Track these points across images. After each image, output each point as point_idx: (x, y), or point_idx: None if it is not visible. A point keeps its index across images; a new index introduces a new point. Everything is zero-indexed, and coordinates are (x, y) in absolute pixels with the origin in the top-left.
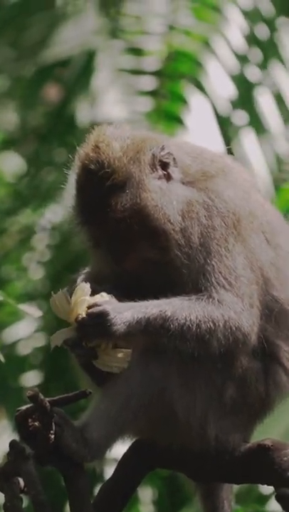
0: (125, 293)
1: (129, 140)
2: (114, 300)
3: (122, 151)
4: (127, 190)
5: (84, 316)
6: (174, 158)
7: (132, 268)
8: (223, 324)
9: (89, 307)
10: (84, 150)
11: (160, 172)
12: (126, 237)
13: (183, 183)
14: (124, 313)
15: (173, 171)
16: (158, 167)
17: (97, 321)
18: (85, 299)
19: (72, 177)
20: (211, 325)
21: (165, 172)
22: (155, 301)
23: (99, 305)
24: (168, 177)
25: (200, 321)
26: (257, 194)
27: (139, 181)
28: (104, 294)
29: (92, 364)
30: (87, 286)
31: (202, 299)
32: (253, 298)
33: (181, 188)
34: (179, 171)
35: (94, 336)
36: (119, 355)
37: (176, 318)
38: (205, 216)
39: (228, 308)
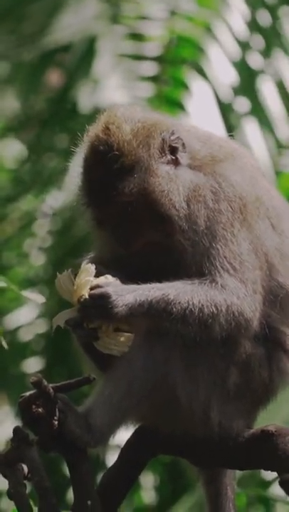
0: (129, 277)
1: (139, 123)
2: (118, 282)
3: (132, 133)
4: (134, 175)
5: (86, 297)
6: (183, 144)
7: (137, 251)
8: (225, 309)
9: (91, 288)
10: (94, 130)
11: (169, 157)
12: (131, 221)
13: (190, 168)
14: (126, 295)
15: (181, 156)
16: (167, 152)
17: (99, 303)
18: (89, 279)
19: (79, 157)
20: (214, 309)
21: (174, 157)
22: (158, 285)
23: (101, 286)
24: (176, 162)
25: (202, 305)
26: (263, 179)
27: (147, 166)
28: (109, 276)
29: (93, 346)
30: (92, 268)
31: (205, 283)
32: (257, 284)
33: (189, 173)
34: (187, 156)
35: (95, 317)
36: (121, 338)
37: (179, 302)
38: (212, 200)
39: (231, 293)
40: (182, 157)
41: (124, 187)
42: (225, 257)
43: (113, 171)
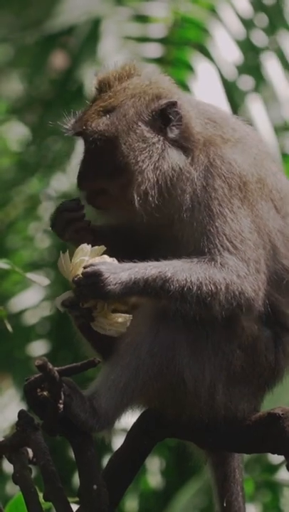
0: (128, 256)
1: (148, 82)
2: (114, 262)
3: (134, 85)
4: (111, 117)
5: (80, 275)
6: (180, 119)
7: (89, 192)
8: (225, 287)
9: (85, 267)
10: (110, 70)
11: (158, 123)
12: (93, 159)
13: (178, 146)
14: (120, 273)
15: (172, 130)
16: (157, 117)
17: (91, 281)
18: (84, 259)
19: None
20: (212, 287)
21: (163, 126)
22: (155, 263)
23: (94, 265)
24: (162, 132)
25: (201, 282)
26: (271, 163)
27: (125, 115)
28: (105, 256)
29: (90, 328)
30: (87, 247)
31: (204, 261)
32: (260, 263)
33: (172, 150)
34: (179, 133)
35: (88, 296)
36: (118, 319)
37: (177, 279)
38: (200, 177)
39: (231, 271)
40: (172, 131)
41: (98, 123)
42: (224, 235)
43: (97, 107)
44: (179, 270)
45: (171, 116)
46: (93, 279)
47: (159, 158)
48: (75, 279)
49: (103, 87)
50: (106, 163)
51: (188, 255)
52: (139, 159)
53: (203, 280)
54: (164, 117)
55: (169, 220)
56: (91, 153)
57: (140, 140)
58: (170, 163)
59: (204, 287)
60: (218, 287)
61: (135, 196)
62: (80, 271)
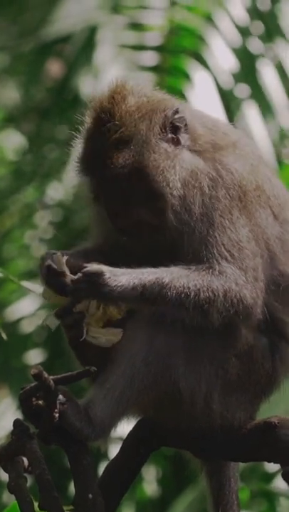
0: (124, 262)
1: (145, 98)
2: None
3: (136, 106)
4: (131, 146)
5: (79, 274)
6: (186, 124)
7: (126, 227)
8: (222, 295)
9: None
10: (99, 98)
11: (169, 135)
12: (123, 194)
13: (190, 151)
14: (120, 276)
15: (183, 136)
16: (168, 130)
17: (92, 279)
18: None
19: (83, 126)
20: (210, 294)
21: (174, 136)
22: (153, 269)
23: (95, 264)
24: (176, 142)
25: (198, 289)
26: (265, 168)
27: (145, 140)
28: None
29: (81, 342)
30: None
31: (202, 269)
32: (258, 271)
33: (188, 155)
34: (188, 137)
35: (85, 294)
36: (110, 331)
37: (174, 286)
38: (209, 186)
39: (229, 279)
40: (183, 138)
41: (119, 157)
42: (223, 244)
43: (111, 140)
44: (177, 277)
45: (178, 124)
46: (94, 278)
47: (181, 169)
48: (75, 277)
49: (105, 117)
50: (138, 194)
51: (186, 263)
52: (168, 177)
53: (200, 287)
54: (172, 127)
55: (178, 231)
56: (119, 188)
57: (165, 158)
58: (189, 169)
59: (202, 294)
60: (216, 294)
61: (172, 216)
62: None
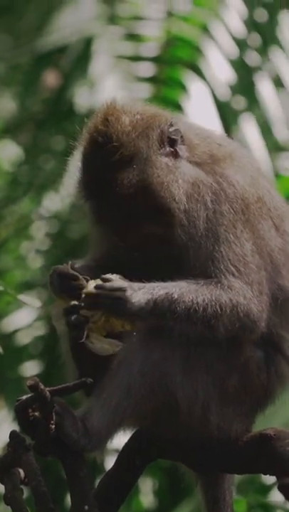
0: (128, 277)
1: (139, 115)
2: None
3: (132, 125)
4: (134, 166)
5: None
6: (181, 136)
7: (134, 244)
8: (230, 309)
9: (103, 280)
10: (93, 122)
11: (168, 149)
12: (130, 213)
13: (190, 162)
14: (138, 291)
15: (180, 148)
16: (166, 144)
17: (116, 295)
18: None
19: (78, 151)
20: (218, 309)
21: (173, 149)
22: (162, 284)
23: (117, 280)
24: (175, 154)
25: (207, 304)
26: (263, 179)
27: (146, 157)
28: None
29: (80, 347)
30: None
31: (210, 283)
32: (263, 285)
33: (188, 167)
34: (186, 149)
35: (104, 308)
36: (108, 341)
37: (183, 301)
38: (212, 201)
39: (238, 293)
40: (181, 149)
41: (124, 178)
42: (229, 260)
43: (112, 163)
44: (186, 291)
45: (174, 137)
46: (118, 294)
47: (184, 182)
48: (97, 287)
49: (102, 140)
50: (144, 211)
51: (194, 278)
52: (173, 192)
53: (209, 301)
54: (169, 140)
55: (184, 245)
56: (125, 207)
57: (167, 173)
58: (190, 181)
59: (209, 309)
60: (223, 309)
61: (179, 229)
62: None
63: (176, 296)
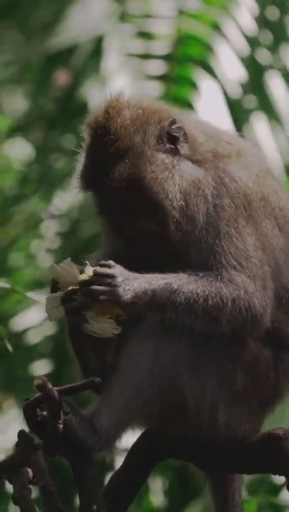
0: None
1: (141, 110)
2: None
3: (131, 119)
4: (126, 159)
5: (91, 275)
6: (184, 133)
7: (128, 237)
8: (231, 302)
9: (101, 266)
10: (95, 114)
11: (167, 146)
12: (124, 207)
13: (191, 161)
14: (131, 280)
15: (182, 146)
16: (165, 140)
17: (105, 282)
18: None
19: (83, 139)
20: (219, 301)
21: (173, 146)
22: (161, 274)
23: (109, 266)
24: (175, 152)
25: (207, 295)
26: (272, 180)
27: (141, 152)
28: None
29: (79, 334)
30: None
31: (211, 276)
32: (266, 280)
33: (188, 165)
34: (188, 147)
35: (98, 296)
36: (107, 324)
37: (183, 291)
38: (213, 195)
39: (239, 287)
40: (183, 147)
41: (116, 171)
42: (230, 253)
43: (107, 155)
44: (186, 282)
45: (176, 134)
46: (106, 280)
47: (181, 179)
48: (86, 278)
49: (100, 132)
50: (138, 206)
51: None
52: (167, 188)
53: (209, 293)
54: (170, 138)
55: (183, 240)
56: (119, 201)
57: (162, 169)
58: (189, 179)
59: (210, 300)
60: (225, 301)
61: (173, 226)
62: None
63: (175, 287)
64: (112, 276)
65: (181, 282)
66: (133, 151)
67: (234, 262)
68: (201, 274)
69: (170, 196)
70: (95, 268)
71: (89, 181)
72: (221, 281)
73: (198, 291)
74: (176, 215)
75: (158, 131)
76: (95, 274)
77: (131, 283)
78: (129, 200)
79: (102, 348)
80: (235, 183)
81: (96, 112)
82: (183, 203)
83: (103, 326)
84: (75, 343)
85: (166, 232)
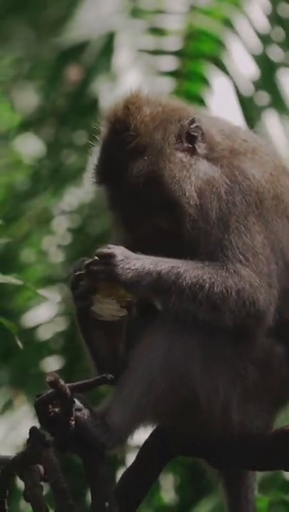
0: None
1: (160, 107)
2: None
3: (151, 116)
4: (146, 156)
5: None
6: (202, 133)
7: (141, 235)
8: (236, 293)
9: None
10: (114, 108)
11: (185, 145)
12: (139, 204)
13: (208, 160)
14: (133, 260)
15: (199, 145)
16: (184, 139)
17: (104, 261)
18: None
19: (99, 134)
20: (224, 290)
21: (191, 145)
22: (168, 258)
23: (109, 247)
24: (193, 151)
25: (213, 283)
26: (286, 178)
27: (160, 149)
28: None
29: (88, 318)
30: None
31: (217, 265)
32: (272, 278)
33: (205, 165)
34: (205, 146)
35: (98, 276)
36: (114, 306)
37: (189, 276)
38: (226, 192)
39: (244, 279)
40: (200, 147)
41: (134, 167)
42: (238, 248)
43: (126, 151)
44: (192, 268)
45: (194, 134)
46: (106, 260)
47: (197, 179)
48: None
49: (120, 127)
50: (154, 203)
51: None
52: (184, 187)
53: (215, 281)
54: (188, 137)
55: (194, 237)
56: (135, 198)
57: (180, 168)
58: (204, 179)
59: (216, 288)
60: (229, 291)
61: (189, 225)
62: None
63: (181, 271)
64: (111, 256)
65: (187, 267)
66: (152, 148)
67: (240, 256)
68: (207, 263)
69: (187, 194)
70: (96, 250)
71: (105, 176)
72: (227, 271)
73: (205, 277)
74: (192, 213)
75: (178, 130)
76: (96, 254)
77: (132, 262)
78: (145, 197)
79: (113, 336)
80: (248, 181)
81: (115, 106)
82: (198, 202)
83: (107, 308)
84: (84, 330)
85: (181, 230)
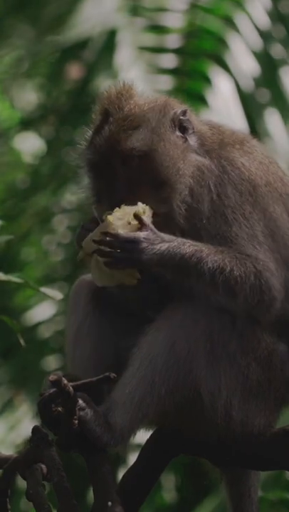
0: None
1: (152, 98)
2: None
3: (145, 101)
4: (140, 133)
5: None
6: (193, 128)
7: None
8: (254, 277)
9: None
10: (106, 95)
11: (178, 133)
12: (130, 183)
13: (198, 153)
14: (158, 244)
15: (191, 138)
16: (177, 128)
17: (129, 247)
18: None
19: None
20: (242, 274)
21: (183, 136)
22: (192, 241)
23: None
24: (184, 141)
25: (233, 266)
26: (277, 168)
27: (155, 127)
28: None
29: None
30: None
31: (236, 250)
32: (279, 264)
33: (195, 156)
34: (196, 139)
35: (122, 261)
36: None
37: (212, 260)
38: (215, 184)
39: (262, 263)
40: (191, 139)
41: (128, 141)
42: (243, 238)
43: (120, 127)
44: (214, 251)
45: (186, 125)
46: (131, 246)
47: (190, 165)
48: (114, 233)
49: (113, 109)
50: (145, 180)
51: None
52: (177, 167)
53: (235, 264)
54: (180, 127)
55: (191, 229)
56: (126, 173)
57: (174, 148)
58: (196, 169)
59: (235, 271)
60: (247, 275)
61: (175, 207)
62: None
63: (204, 255)
64: (135, 241)
65: (209, 252)
66: (147, 126)
67: (250, 244)
68: (225, 249)
69: (180, 172)
70: (118, 233)
71: (96, 154)
72: (245, 255)
73: (226, 260)
74: (182, 194)
75: (171, 116)
76: (120, 238)
77: (157, 247)
78: (136, 174)
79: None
80: (237, 170)
81: (108, 91)
82: (190, 184)
83: (105, 274)
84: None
85: (169, 210)
